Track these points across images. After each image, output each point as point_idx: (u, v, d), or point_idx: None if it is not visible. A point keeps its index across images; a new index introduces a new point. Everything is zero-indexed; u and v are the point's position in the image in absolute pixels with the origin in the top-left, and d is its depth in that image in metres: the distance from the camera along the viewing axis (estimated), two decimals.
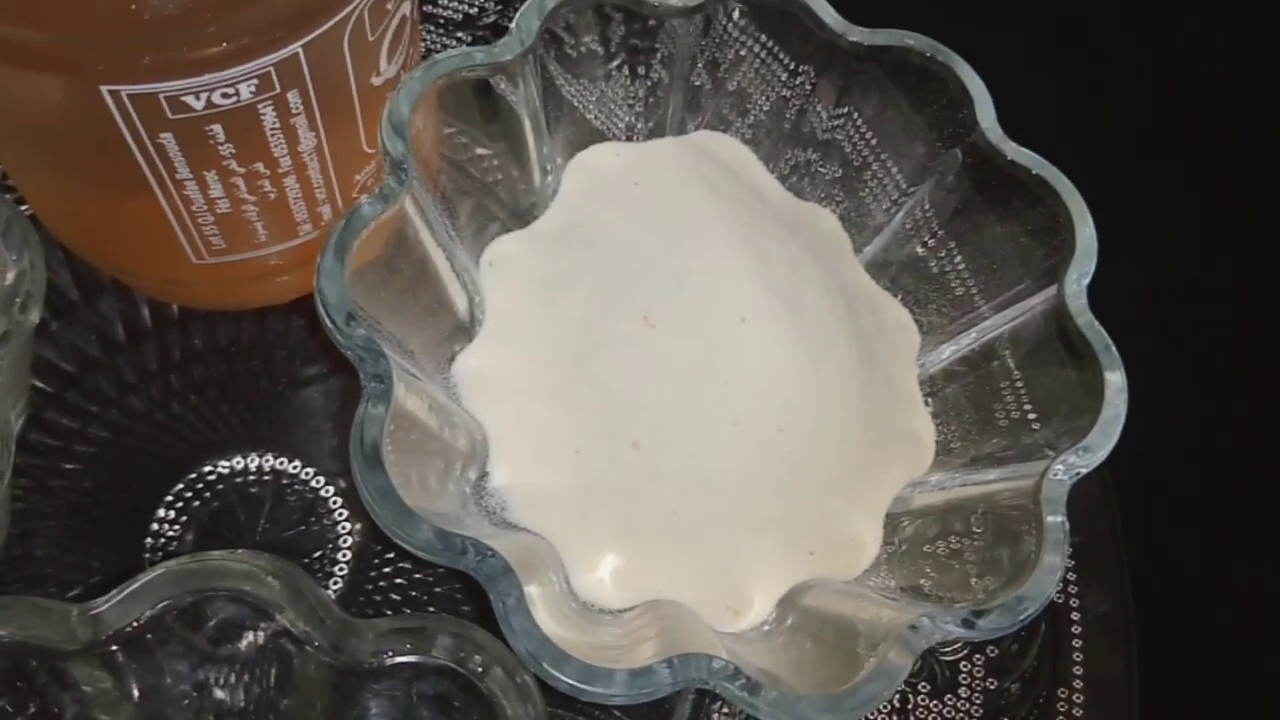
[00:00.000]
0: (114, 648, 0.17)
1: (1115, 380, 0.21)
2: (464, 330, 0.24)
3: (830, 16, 0.24)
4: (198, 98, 0.18)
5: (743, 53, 0.26)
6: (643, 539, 0.23)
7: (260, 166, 0.20)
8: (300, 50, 0.18)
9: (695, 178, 0.25)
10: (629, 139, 0.27)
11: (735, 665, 0.18)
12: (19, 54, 0.17)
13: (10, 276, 0.20)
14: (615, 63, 0.26)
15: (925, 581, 0.23)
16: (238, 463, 0.25)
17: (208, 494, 0.25)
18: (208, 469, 0.25)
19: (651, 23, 0.25)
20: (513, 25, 0.22)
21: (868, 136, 0.26)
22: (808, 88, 0.26)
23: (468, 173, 0.25)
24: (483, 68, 0.22)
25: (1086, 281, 0.22)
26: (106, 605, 0.17)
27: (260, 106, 0.19)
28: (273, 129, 0.19)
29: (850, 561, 0.23)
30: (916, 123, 0.25)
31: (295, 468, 0.25)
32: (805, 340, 0.23)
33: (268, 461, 0.25)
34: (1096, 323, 0.22)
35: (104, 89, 0.17)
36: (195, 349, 0.26)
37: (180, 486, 0.25)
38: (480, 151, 0.25)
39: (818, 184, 0.27)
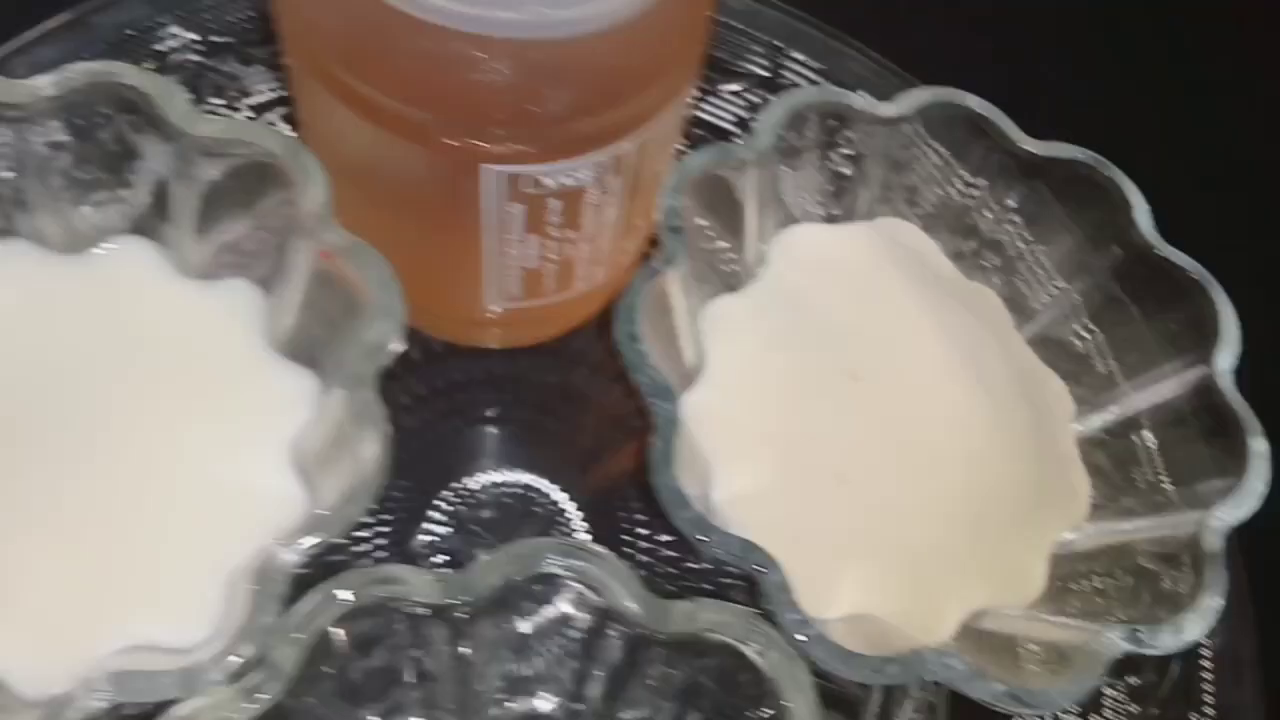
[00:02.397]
0: (465, 614, 0.22)
1: (1259, 447, 0.25)
2: (688, 375, 0.28)
3: (1014, 133, 0.29)
4: (553, 179, 0.23)
5: (922, 156, 0.31)
6: (848, 562, 0.27)
7: (570, 234, 0.25)
8: (636, 143, 0.23)
9: (886, 257, 0.30)
10: (822, 220, 0.31)
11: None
12: (417, 131, 0.22)
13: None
14: (818, 155, 0.30)
15: (1073, 614, 0.27)
16: (496, 476, 0.30)
17: (472, 500, 0.29)
18: (468, 480, 0.30)
19: (854, 126, 0.30)
20: (761, 123, 0.27)
21: (1027, 235, 0.31)
22: (977, 193, 0.31)
23: (695, 242, 0.29)
24: (736, 160, 0.27)
25: (1232, 365, 0.26)
26: (461, 575, 0.22)
27: (590, 188, 0.23)
28: (593, 205, 0.24)
29: (1022, 593, 0.27)
30: (1076, 225, 0.30)
31: (543, 484, 0.30)
32: (989, 400, 0.28)
33: (520, 476, 0.30)
34: (1240, 397, 0.26)
35: (484, 166, 0.22)
36: (458, 379, 0.30)
37: (447, 492, 0.29)
38: (702, 223, 0.29)
39: (974, 270, 0.32)
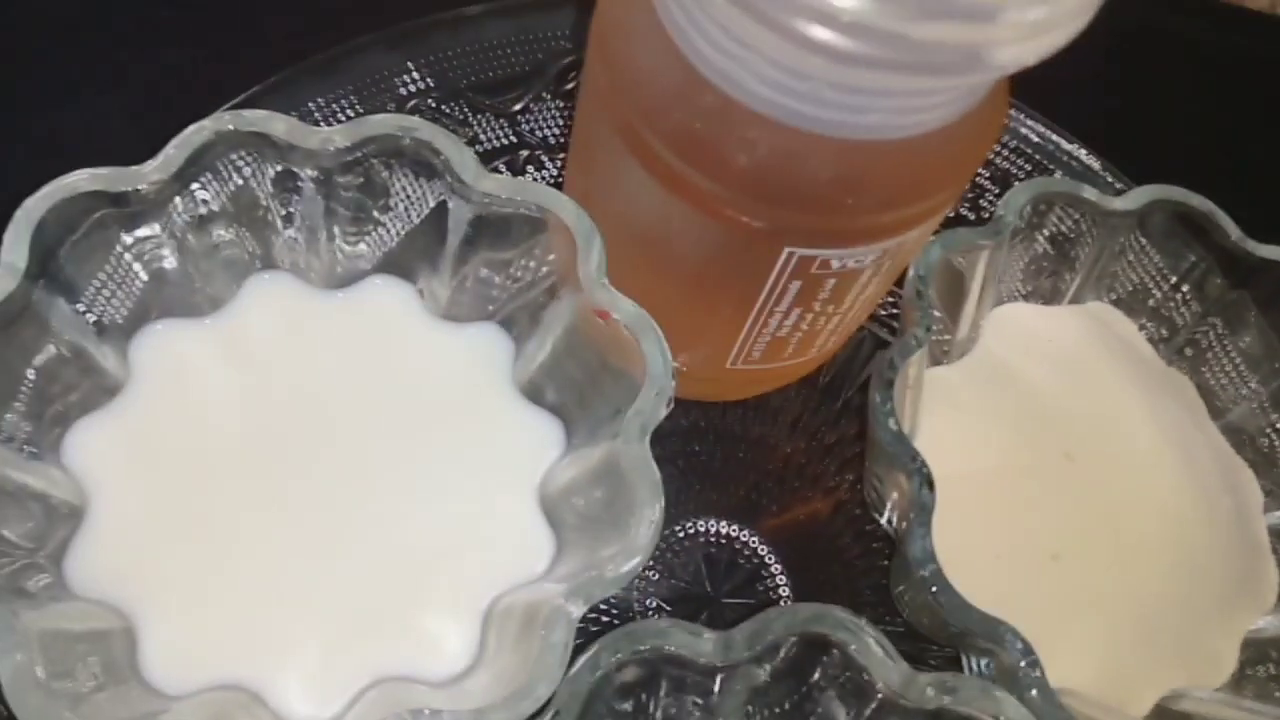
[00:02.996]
0: (741, 668, 0.23)
1: None
2: None
3: (1234, 231, 0.30)
4: (841, 262, 0.24)
5: (1129, 246, 0.32)
6: (1056, 638, 0.28)
7: (831, 308, 0.26)
8: (917, 233, 0.24)
9: (1096, 340, 0.31)
10: (1022, 298, 0.33)
11: None
12: (723, 208, 0.23)
13: None
14: (1026, 236, 0.31)
15: (1248, 697, 0.29)
16: (701, 525, 0.31)
17: (677, 548, 0.30)
18: (677, 528, 0.31)
19: (1072, 213, 0.31)
20: (1005, 209, 0.28)
21: (1221, 329, 0.32)
22: (1179, 285, 0.32)
23: None
24: (979, 244, 0.28)
25: None
26: (738, 632, 0.23)
27: (866, 270, 0.25)
28: (860, 285, 0.25)
29: (1213, 677, 0.28)
30: (1272, 333, 0.31)
31: (745, 534, 0.31)
32: (1195, 486, 0.29)
33: (723, 527, 0.31)
34: None
35: (787, 249, 0.23)
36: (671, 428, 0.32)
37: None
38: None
39: (1168, 359, 0.33)
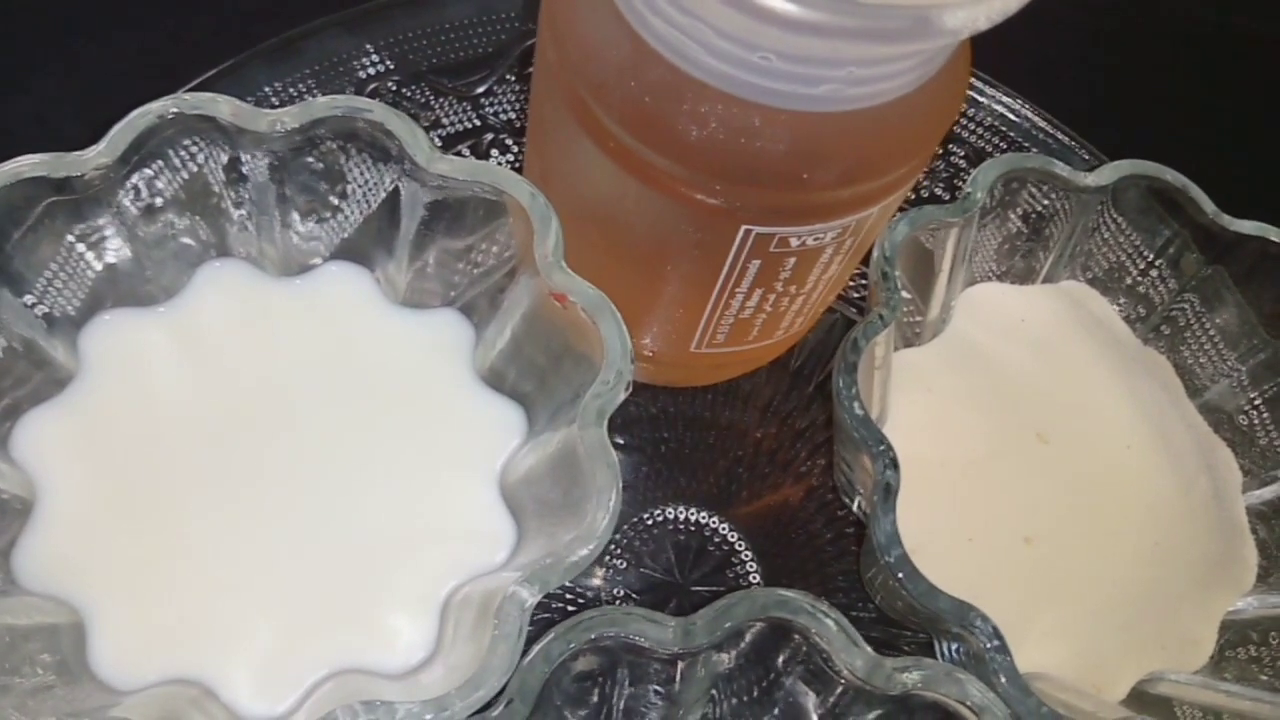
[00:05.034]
0: (703, 655, 0.23)
1: None
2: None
3: (1208, 206, 0.29)
4: (800, 240, 0.23)
5: (1104, 224, 0.31)
6: (1031, 622, 0.27)
7: (793, 288, 0.25)
8: (879, 208, 0.23)
9: (1071, 320, 0.30)
10: (996, 278, 0.32)
11: None
12: (679, 186, 0.22)
13: None
14: (999, 215, 0.31)
15: (1228, 680, 0.28)
16: (670, 512, 0.30)
17: (646, 536, 0.30)
18: (645, 515, 0.30)
19: (1046, 191, 0.30)
20: (974, 185, 0.28)
21: (1199, 308, 0.31)
22: (1155, 262, 0.31)
23: None
24: (946, 222, 0.27)
25: None
26: (699, 618, 0.22)
27: (827, 248, 0.24)
28: (821, 264, 0.25)
29: (1192, 659, 0.28)
30: (1251, 304, 0.30)
31: (715, 521, 0.30)
32: (1176, 468, 0.28)
33: (693, 514, 0.30)
34: None
35: (744, 227, 0.23)
36: (633, 415, 0.31)
37: (625, 527, 0.30)
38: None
39: (1145, 337, 0.32)
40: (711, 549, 0.30)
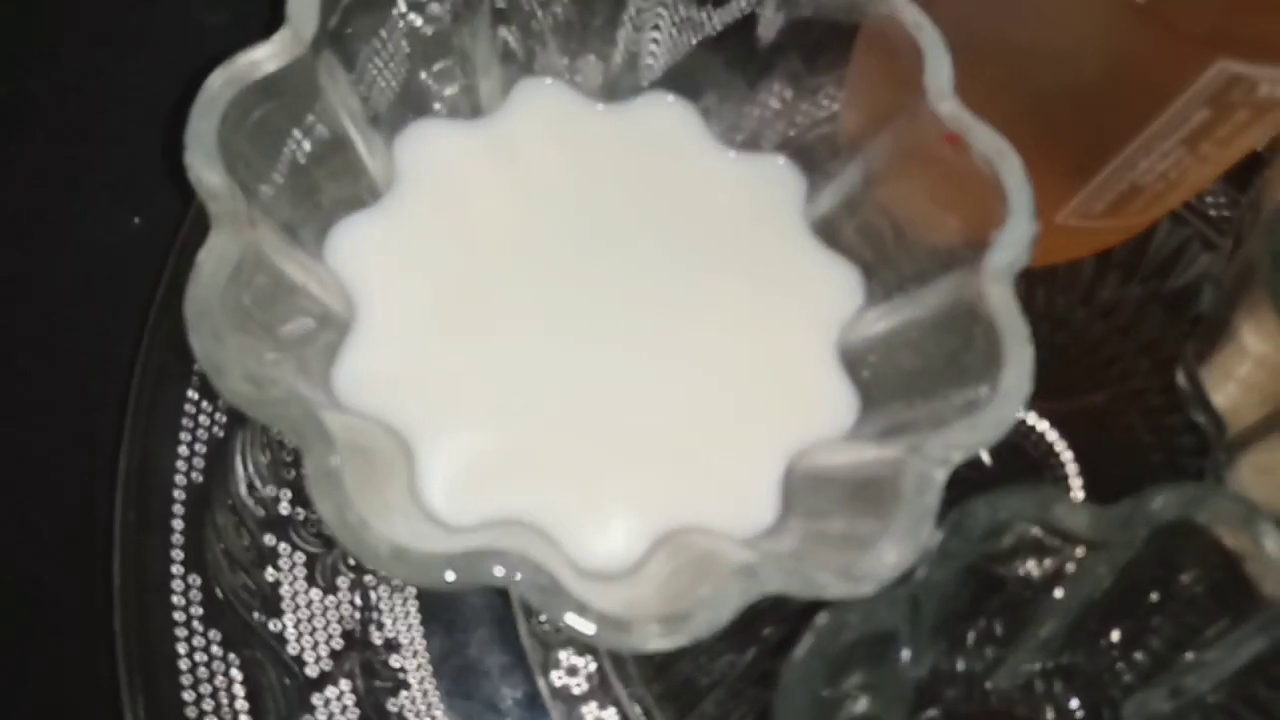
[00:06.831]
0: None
1: None
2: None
3: None
4: (1270, 88, 0.20)
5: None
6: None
7: (1217, 154, 0.22)
8: None
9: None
10: None
11: None
12: (1148, 12, 0.19)
13: None
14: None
15: None
16: None
17: None
18: None
19: None
20: None
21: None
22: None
23: None
24: None
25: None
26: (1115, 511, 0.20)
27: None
28: (1254, 130, 0.21)
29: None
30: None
31: (1032, 418, 0.27)
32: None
33: None
34: None
35: (1219, 65, 0.19)
36: None
37: None
38: None
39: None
40: (1029, 447, 0.27)
